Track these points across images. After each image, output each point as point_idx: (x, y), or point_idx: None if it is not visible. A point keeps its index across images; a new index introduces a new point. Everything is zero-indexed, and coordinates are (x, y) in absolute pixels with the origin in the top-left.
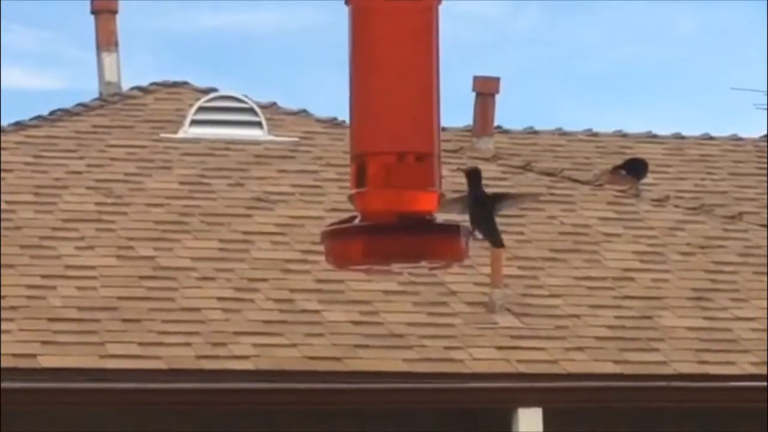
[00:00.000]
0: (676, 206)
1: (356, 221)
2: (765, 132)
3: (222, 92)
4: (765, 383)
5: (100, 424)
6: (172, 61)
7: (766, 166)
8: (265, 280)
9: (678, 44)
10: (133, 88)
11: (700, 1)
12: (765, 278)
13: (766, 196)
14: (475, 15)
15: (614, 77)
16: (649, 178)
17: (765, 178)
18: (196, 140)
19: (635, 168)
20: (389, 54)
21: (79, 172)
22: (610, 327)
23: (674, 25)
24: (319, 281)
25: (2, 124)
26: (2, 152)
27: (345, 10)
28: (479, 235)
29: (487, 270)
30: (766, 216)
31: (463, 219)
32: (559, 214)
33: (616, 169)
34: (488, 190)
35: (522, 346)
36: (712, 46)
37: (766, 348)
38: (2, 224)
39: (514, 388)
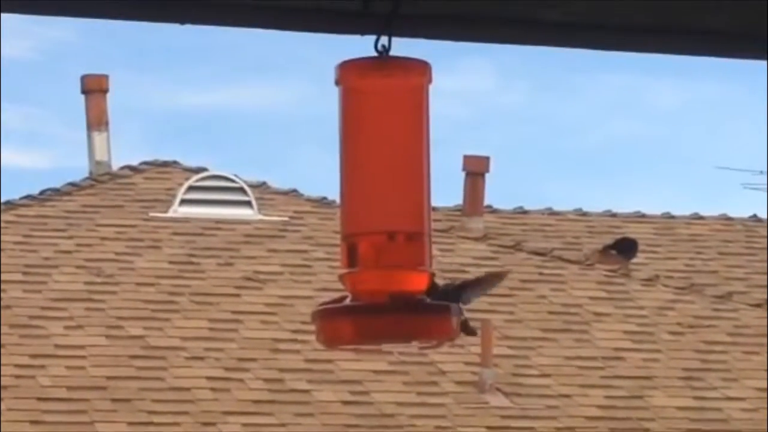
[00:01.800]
0: (666, 286)
1: (347, 301)
2: (754, 212)
3: (212, 172)
4: None
5: None
6: (161, 139)
7: (755, 245)
8: (254, 359)
9: (662, 120)
10: (123, 167)
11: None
12: (755, 358)
13: (755, 276)
14: (461, 91)
15: (601, 154)
16: (638, 258)
17: (754, 258)
18: (185, 219)
19: (625, 248)
20: (380, 133)
21: (69, 252)
22: (600, 407)
23: (658, 100)
24: (309, 361)
25: None
26: None
27: (335, 90)
28: None
29: (477, 349)
30: (755, 295)
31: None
32: (549, 293)
33: (606, 249)
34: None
35: (512, 425)
36: (697, 121)
37: (756, 428)
38: None
39: None
